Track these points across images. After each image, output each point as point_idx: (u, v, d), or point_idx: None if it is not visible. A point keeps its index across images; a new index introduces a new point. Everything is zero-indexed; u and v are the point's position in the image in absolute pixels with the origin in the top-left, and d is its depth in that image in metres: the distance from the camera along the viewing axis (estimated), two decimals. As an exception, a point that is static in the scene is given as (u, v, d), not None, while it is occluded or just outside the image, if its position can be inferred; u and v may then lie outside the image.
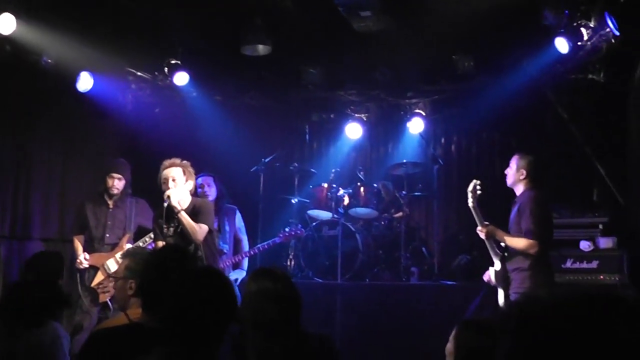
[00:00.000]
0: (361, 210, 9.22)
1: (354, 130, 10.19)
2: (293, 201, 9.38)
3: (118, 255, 7.42)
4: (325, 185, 9.26)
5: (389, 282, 8.76)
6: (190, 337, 2.81)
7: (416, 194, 9.36)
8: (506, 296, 6.30)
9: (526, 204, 6.25)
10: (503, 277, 6.32)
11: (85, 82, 8.61)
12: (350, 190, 9.18)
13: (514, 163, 6.48)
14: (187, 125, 10.15)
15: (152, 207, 7.73)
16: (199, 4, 8.54)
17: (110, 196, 7.70)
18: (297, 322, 3.57)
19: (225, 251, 7.82)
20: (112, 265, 7.40)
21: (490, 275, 6.43)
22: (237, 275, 7.84)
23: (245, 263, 8.19)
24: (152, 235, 7.23)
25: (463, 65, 9.26)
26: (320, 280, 8.72)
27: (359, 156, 10.84)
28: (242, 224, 8.35)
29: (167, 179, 6.34)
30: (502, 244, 6.39)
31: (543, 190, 6.48)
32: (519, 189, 6.42)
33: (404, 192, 9.18)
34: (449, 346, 3.85)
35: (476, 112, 9.70)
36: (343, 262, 8.59)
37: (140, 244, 7.45)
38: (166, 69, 9.23)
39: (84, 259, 7.41)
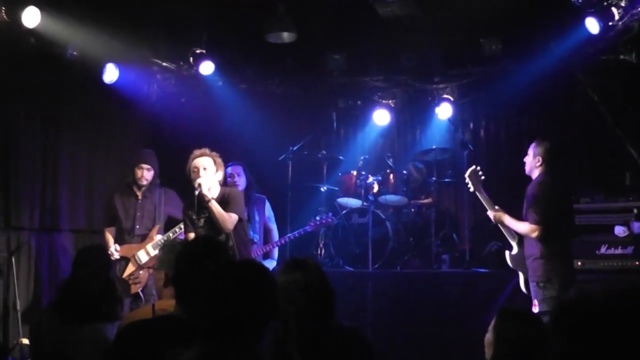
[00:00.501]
0: (391, 198, 9.13)
1: (381, 117, 10.10)
2: (322, 189, 9.31)
3: (149, 246, 7.43)
4: (354, 172, 9.19)
5: (420, 270, 8.70)
6: (230, 331, 2.77)
7: (445, 180, 9.26)
8: (525, 280, 6.40)
9: (531, 189, 6.32)
10: (519, 261, 6.46)
11: (111, 73, 8.58)
12: (380, 177, 9.11)
13: (531, 150, 6.52)
14: (213, 115, 10.11)
15: (180, 197, 7.71)
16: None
17: (139, 187, 7.69)
18: (328, 315, 3.52)
19: (255, 241, 7.77)
20: (143, 256, 7.41)
21: (507, 259, 6.59)
22: (268, 265, 7.78)
23: (276, 252, 8.15)
24: (182, 226, 7.22)
25: (490, 49, 9.14)
26: (350, 269, 8.68)
27: (387, 143, 10.73)
28: (272, 213, 8.30)
29: (197, 168, 6.34)
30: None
31: (556, 177, 6.46)
32: (535, 176, 6.45)
33: (433, 178, 9.10)
34: (488, 336, 3.80)
35: (504, 95, 9.54)
36: (373, 250, 8.52)
37: (171, 235, 7.45)
38: (191, 59, 9.17)
39: (114, 250, 7.42)
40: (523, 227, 6.31)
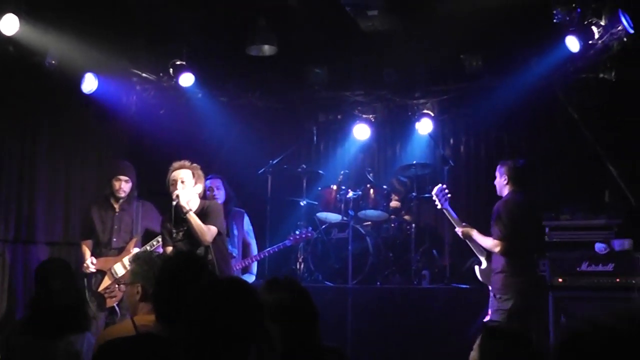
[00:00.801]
0: (371, 212, 9.12)
1: (361, 131, 10.04)
2: (301, 203, 9.26)
3: (125, 259, 7.33)
4: (334, 187, 9.17)
5: (400, 285, 8.65)
6: (215, 349, 2.68)
7: (426, 195, 9.19)
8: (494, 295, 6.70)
9: (497, 206, 6.74)
10: (487, 275, 6.82)
11: (90, 83, 8.48)
12: (360, 192, 9.07)
13: (497, 171, 6.96)
14: (193, 127, 10.00)
15: (158, 210, 7.63)
16: (203, 4, 8.46)
17: (117, 199, 7.59)
18: (313, 336, 3.45)
19: (234, 255, 7.69)
20: (119, 269, 7.32)
21: (477, 273, 6.95)
22: (247, 279, 7.69)
23: (255, 267, 8.09)
24: (159, 239, 7.13)
25: (471, 65, 9.12)
26: (330, 284, 8.63)
27: (367, 157, 10.68)
28: (251, 227, 8.23)
29: (175, 181, 6.30)
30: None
31: (522, 195, 6.86)
32: (504, 195, 6.87)
33: (413, 193, 9.07)
34: (474, 355, 3.75)
35: (485, 112, 9.58)
36: (353, 265, 8.49)
37: (148, 248, 7.35)
38: (171, 70, 9.12)
39: (90, 263, 7.32)
40: (488, 242, 6.70)
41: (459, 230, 6.92)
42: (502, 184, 6.88)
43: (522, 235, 6.69)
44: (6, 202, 8.30)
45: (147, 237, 7.64)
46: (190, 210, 6.22)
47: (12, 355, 4.45)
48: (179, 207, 6.18)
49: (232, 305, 2.74)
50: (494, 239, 6.62)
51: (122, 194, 7.55)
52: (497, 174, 6.96)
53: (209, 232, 6.20)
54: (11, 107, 8.36)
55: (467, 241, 6.90)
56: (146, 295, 3.84)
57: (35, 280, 4.80)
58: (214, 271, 5.34)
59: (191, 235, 6.21)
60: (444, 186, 7.12)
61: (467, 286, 8.16)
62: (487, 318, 6.55)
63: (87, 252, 7.49)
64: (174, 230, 6.29)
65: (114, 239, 7.51)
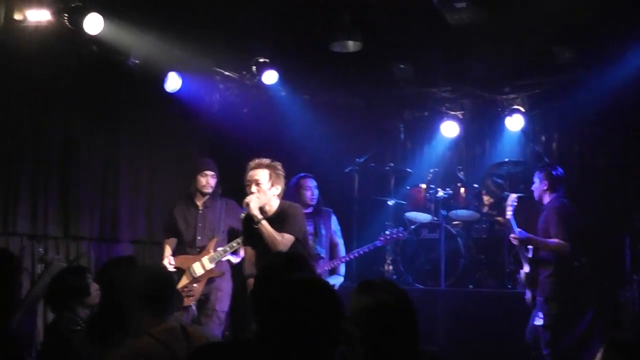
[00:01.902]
0: (462, 212, 8.86)
1: (449, 129, 9.74)
2: (389, 203, 9.06)
3: (204, 258, 7.20)
4: (423, 185, 8.94)
5: (494, 289, 8.32)
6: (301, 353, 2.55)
7: (518, 195, 8.86)
8: (533, 297, 6.97)
9: (554, 209, 6.97)
10: (531, 280, 6.99)
11: (173, 82, 8.43)
12: (450, 191, 8.80)
13: (536, 178, 7.25)
14: (276, 125, 9.90)
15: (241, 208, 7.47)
16: (287, 0, 8.28)
17: (203, 195, 7.47)
18: (414, 340, 3.20)
19: (322, 255, 7.46)
20: (198, 269, 7.18)
21: (522, 277, 7.14)
22: (335, 281, 7.49)
23: (343, 268, 7.84)
24: (239, 241, 6.96)
25: (564, 57, 8.81)
26: (420, 286, 8.36)
27: (455, 155, 10.37)
28: (338, 227, 7.98)
29: (250, 182, 5.84)
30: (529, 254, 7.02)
31: (568, 200, 7.22)
32: (547, 201, 7.13)
33: (505, 192, 8.70)
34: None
35: (578, 107, 9.17)
36: (444, 267, 8.17)
37: (228, 248, 7.18)
38: (254, 68, 8.98)
39: (168, 263, 7.20)
40: (552, 243, 6.86)
41: (514, 237, 7.03)
42: (541, 190, 7.13)
43: (578, 238, 7.02)
44: (90, 201, 8.30)
45: (232, 235, 7.46)
46: (262, 219, 5.74)
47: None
48: (249, 216, 5.79)
49: (313, 305, 2.63)
50: (560, 239, 6.81)
51: (209, 189, 7.44)
52: (537, 179, 7.21)
53: (282, 241, 5.68)
54: (95, 106, 8.38)
55: (518, 247, 7.07)
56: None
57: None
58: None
59: (263, 242, 5.73)
60: (515, 196, 7.30)
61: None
62: (540, 322, 6.70)
63: (167, 250, 7.40)
64: (246, 236, 5.97)
65: (199, 237, 7.40)
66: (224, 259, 7.24)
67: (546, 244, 6.88)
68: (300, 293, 2.69)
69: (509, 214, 7.10)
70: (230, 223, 7.48)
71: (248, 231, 5.83)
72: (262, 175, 5.83)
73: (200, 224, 7.43)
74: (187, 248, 7.38)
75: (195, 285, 7.19)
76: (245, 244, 6.08)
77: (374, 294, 3.17)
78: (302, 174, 7.61)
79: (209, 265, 7.18)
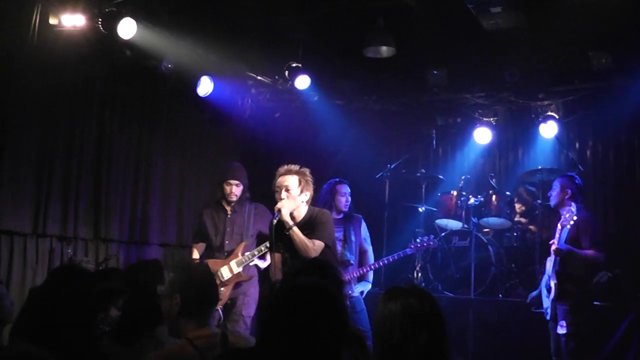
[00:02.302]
0: (493, 220, 8.76)
1: (482, 135, 9.67)
2: (420, 209, 9.01)
3: (232, 262, 7.17)
4: (455, 192, 8.88)
5: (524, 299, 8.17)
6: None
7: (545, 203, 8.77)
8: (554, 308, 6.75)
9: (585, 219, 6.75)
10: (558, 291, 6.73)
11: (205, 86, 8.48)
12: (482, 198, 8.71)
13: (559, 185, 6.99)
14: (308, 130, 9.90)
15: (270, 212, 7.44)
16: (319, 5, 8.25)
17: (229, 202, 7.45)
18: (445, 348, 3.15)
19: (352, 262, 7.40)
20: (226, 272, 7.14)
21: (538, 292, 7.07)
22: (363, 288, 7.42)
23: (371, 275, 7.77)
24: (267, 245, 6.95)
25: (600, 63, 8.65)
26: (450, 294, 8.28)
27: (488, 162, 10.32)
28: (368, 234, 7.90)
29: (280, 188, 5.80)
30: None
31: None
32: (565, 207, 6.80)
33: (539, 200, 8.60)
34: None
35: (614, 114, 9.11)
36: (474, 276, 8.09)
37: (256, 252, 7.15)
38: (287, 73, 8.99)
39: None
40: (590, 254, 6.66)
41: (557, 247, 6.69)
42: (562, 197, 6.89)
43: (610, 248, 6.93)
44: (121, 204, 8.34)
45: (261, 239, 7.44)
46: (294, 225, 5.72)
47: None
48: (280, 223, 5.72)
49: (310, 310, 2.59)
50: (595, 251, 6.66)
51: (234, 198, 7.41)
52: (557, 186, 6.98)
53: (313, 247, 5.66)
54: (128, 110, 8.43)
55: (556, 258, 6.74)
56: (185, 308, 3.60)
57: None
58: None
59: (293, 248, 5.71)
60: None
61: (597, 303, 7.52)
62: (563, 331, 6.53)
63: (195, 254, 7.42)
64: (276, 242, 5.92)
65: (227, 242, 7.37)
66: (252, 263, 7.23)
67: (585, 256, 6.69)
68: (299, 299, 2.65)
69: (571, 223, 6.71)
70: (259, 227, 7.46)
71: (278, 237, 5.80)
72: (291, 181, 5.80)
73: (228, 229, 7.41)
74: (216, 253, 7.36)
75: (222, 289, 7.14)
76: (273, 250, 6.02)
77: (401, 300, 3.14)
78: (337, 179, 7.55)
79: (237, 269, 7.16)
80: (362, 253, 7.67)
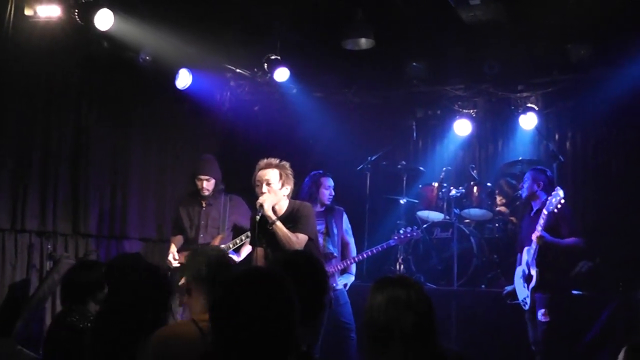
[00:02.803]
0: (475, 211, 8.74)
1: (462, 127, 9.67)
2: (401, 201, 8.99)
3: None
4: (436, 184, 8.85)
5: (507, 289, 8.21)
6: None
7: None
8: (533, 297, 6.81)
9: (563, 210, 6.69)
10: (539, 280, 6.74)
11: (184, 79, 8.40)
12: (463, 190, 8.70)
13: (530, 178, 7.08)
14: (287, 123, 9.85)
15: (247, 203, 7.37)
16: (297, -3, 8.24)
17: (202, 197, 7.39)
18: (434, 335, 3.11)
19: (334, 255, 7.34)
20: None
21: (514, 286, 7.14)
22: (346, 280, 7.38)
23: (354, 268, 7.72)
24: (242, 238, 6.97)
25: (578, 55, 8.72)
26: (433, 286, 8.25)
27: (468, 154, 10.31)
28: (349, 226, 7.84)
29: (261, 182, 5.73)
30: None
31: None
32: (537, 199, 6.98)
33: (519, 191, 8.58)
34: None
35: (593, 105, 9.13)
36: (457, 267, 8.08)
37: (231, 245, 7.09)
38: (266, 65, 8.93)
39: (172, 258, 7.13)
40: (570, 241, 6.77)
41: (539, 235, 6.70)
42: (534, 189, 6.99)
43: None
44: (100, 198, 8.26)
45: (237, 232, 7.39)
46: (277, 220, 5.66)
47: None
48: (263, 217, 5.64)
49: (256, 299, 2.42)
50: (576, 237, 6.80)
51: (206, 192, 7.37)
52: (529, 179, 7.05)
53: (297, 241, 5.62)
54: (105, 103, 8.33)
55: (536, 246, 6.74)
56: (195, 290, 3.63)
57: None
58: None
59: (275, 243, 5.65)
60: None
61: (579, 292, 7.55)
62: (544, 319, 6.59)
63: (173, 247, 7.35)
64: (258, 237, 5.85)
65: (201, 235, 7.34)
66: None
67: (566, 245, 6.76)
68: (250, 285, 2.48)
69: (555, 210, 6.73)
70: (235, 220, 7.43)
71: (261, 232, 5.73)
72: (272, 175, 5.74)
73: (202, 222, 7.39)
74: (191, 245, 7.30)
75: None
76: (256, 244, 5.95)
77: (387, 290, 3.12)
78: (321, 172, 7.48)
79: None
80: (344, 245, 7.62)
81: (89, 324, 4.38)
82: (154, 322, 3.97)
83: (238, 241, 7.09)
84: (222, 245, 7.08)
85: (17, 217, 7.28)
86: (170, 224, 8.15)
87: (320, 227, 7.07)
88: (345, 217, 7.72)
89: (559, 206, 6.58)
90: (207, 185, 7.36)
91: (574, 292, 7.47)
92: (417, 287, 3.19)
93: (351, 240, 7.71)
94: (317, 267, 3.50)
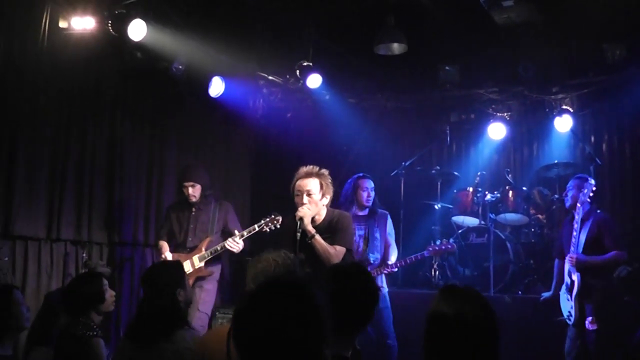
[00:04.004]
0: (510, 216, 8.64)
1: (496, 131, 9.59)
2: (436, 207, 8.92)
3: (195, 257, 7.11)
4: (471, 189, 8.77)
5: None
6: None
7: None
8: (580, 307, 6.60)
9: (604, 219, 6.66)
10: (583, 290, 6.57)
11: (217, 87, 8.44)
12: (498, 194, 8.60)
13: (577, 186, 6.78)
14: (320, 130, 9.82)
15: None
16: (330, 3, 8.19)
17: (191, 203, 7.38)
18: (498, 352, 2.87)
19: (371, 261, 7.26)
20: (187, 266, 7.04)
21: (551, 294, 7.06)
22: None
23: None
24: (224, 245, 6.94)
25: (614, 55, 8.58)
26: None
27: (502, 157, 10.21)
28: (393, 230, 7.70)
29: (301, 192, 5.55)
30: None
31: None
32: (583, 209, 6.66)
33: (555, 195, 8.51)
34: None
35: (629, 106, 9.02)
36: (493, 273, 8.00)
37: (219, 248, 7.03)
38: (298, 72, 8.92)
39: (165, 259, 7.13)
40: (612, 257, 6.54)
41: (573, 257, 6.58)
42: (580, 198, 6.66)
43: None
44: (135, 207, 8.32)
45: (226, 236, 7.30)
46: (316, 234, 5.49)
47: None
48: (304, 232, 5.48)
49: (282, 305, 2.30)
50: (619, 249, 6.54)
51: (193, 199, 7.35)
52: (575, 186, 6.77)
53: (335, 254, 5.47)
54: (139, 112, 8.40)
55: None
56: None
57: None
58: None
59: (314, 255, 5.47)
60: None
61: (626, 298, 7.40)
62: (593, 327, 6.41)
63: (165, 247, 7.32)
64: (297, 250, 5.74)
65: (190, 239, 7.30)
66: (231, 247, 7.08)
67: (605, 261, 6.56)
68: (276, 293, 2.35)
69: (576, 226, 6.62)
70: (223, 225, 7.39)
71: (299, 245, 5.62)
72: (313, 185, 5.55)
73: (192, 226, 7.35)
74: (179, 248, 7.32)
75: None
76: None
77: (455, 304, 2.82)
78: (360, 174, 7.37)
79: (199, 264, 7.11)
80: (386, 247, 7.47)
81: (92, 333, 4.43)
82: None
83: (219, 248, 7.05)
84: (210, 249, 7.08)
85: (53, 227, 7.33)
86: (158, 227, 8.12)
87: (361, 231, 7.02)
88: (389, 220, 7.55)
89: (591, 194, 6.54)
90: (193, 191, 7.33)
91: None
92: (485, 306, 2.99)
93: (392, 243, 7.55)
94: (368, 278, 3.43)
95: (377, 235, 7.21)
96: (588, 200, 6.58)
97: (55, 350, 4.65)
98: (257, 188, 9.87)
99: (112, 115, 8.08)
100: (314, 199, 5.53)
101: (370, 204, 7.26)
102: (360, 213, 7.16)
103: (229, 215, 7.40)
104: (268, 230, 6.76)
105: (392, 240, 7.45)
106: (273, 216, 6.69)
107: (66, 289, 4.88)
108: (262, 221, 6.77)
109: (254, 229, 6.82)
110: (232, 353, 2.59)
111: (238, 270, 8.77)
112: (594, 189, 6.56)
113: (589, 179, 6.81)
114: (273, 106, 9.62)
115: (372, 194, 7.28)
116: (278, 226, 6.64)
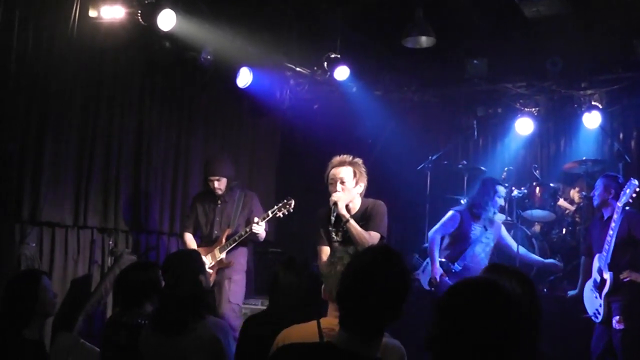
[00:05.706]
0: (537, 213, 8.56)
1: (524, 126, 9.51)
2: (462, 201, 8.82)
3: (216, 249, 7.14)
4: (497, 184, 8.67)
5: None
6: None
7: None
8: (608, 305, 6.52)
9: (637, 218, 6.54)
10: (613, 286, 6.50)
11: (244, 77, 8.46)
12: (525, 190, 8.54)
13: (602, 185, 6.75)
14: (347, 122, 9.81)
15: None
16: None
17: (217, 196, 7.39)
18: (537, 339, 2.93)
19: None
20: (208, 260, 7.05)
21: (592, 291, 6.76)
22: None
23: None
24: (247, 230, 6.96)
25: (644, 51, 8.45)
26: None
27: (529, 153, 10.15)
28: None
29: (334, 180, 5.64)
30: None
31: None
32: (610, 208, 6.63)
33: (583, 192, 8.43)
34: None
35: (660, 103, 8.84)
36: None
37: (237, 238, 7.07)
38: (325, 64, 8.91)
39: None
40: None
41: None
42: (605, 197, 6.68)
43: None
44: (161, 195, 8.36)
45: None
46: (350, 219, 5.59)
47: (147, 353, 4.27)
48: (338, 215, 5.59)
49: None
50: None
51: (219, 192, 7.35)
52: (600, 185, 6.76)
53: (370, 239, 5.52)
54: (167, 101, 8.43)
55: (608, 250, 6.50)
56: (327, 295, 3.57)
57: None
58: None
59: (349, 241, 5.57)
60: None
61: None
62: (620, 326, 6.34)
63: (192, 242, 7.38)
64: (333, 231, 5.82)
65: (215, 231, 7.34)
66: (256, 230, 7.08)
67: None
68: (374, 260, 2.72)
69: (614, 225, 6.49)
70: (247, 216, 7.37)
71: (334, 230, 5.69)
72: (346, 173, 5.64)
73: (217, 218, 7.37)
74: (205, 241, 7.36)
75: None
76: (324, 243, 5.88)
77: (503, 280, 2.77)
78: (494, 178, 7.83)
79: (220, 256, 7.13)
80: None
81: (143, 322, 4.41)
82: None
83: (237, 238, 7.10)
84: (230, 239, 7.10)
85: (80, 214, 7.37)
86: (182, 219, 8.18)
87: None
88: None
89: (634, 195, 6.40)
90: (219, 184, 7.34)
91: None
92: (530, 284, 3.05)
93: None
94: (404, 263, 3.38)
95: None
96: (630, 200, 6.47)
97: (103, 339, 4.66)
98: (282, 179, 9.89)
99: (140, 104, 8.11)
100: (347, 186, 5.61)
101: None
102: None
103: (254, 205, 7.41)
104: (281, 215, 6.87)
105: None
106: (285, 201, 6.79)
107: (119, 278, 4.86)
108: (275, 207, 6.86)
109: (268, 215, 6.91)
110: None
111: (261, 261, 8.80)
112: (637, 189, 6.41)
113: (617, 176, 6.80)
114: (300, 97, 9.61)
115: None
116: (291, 210, 6.81)
